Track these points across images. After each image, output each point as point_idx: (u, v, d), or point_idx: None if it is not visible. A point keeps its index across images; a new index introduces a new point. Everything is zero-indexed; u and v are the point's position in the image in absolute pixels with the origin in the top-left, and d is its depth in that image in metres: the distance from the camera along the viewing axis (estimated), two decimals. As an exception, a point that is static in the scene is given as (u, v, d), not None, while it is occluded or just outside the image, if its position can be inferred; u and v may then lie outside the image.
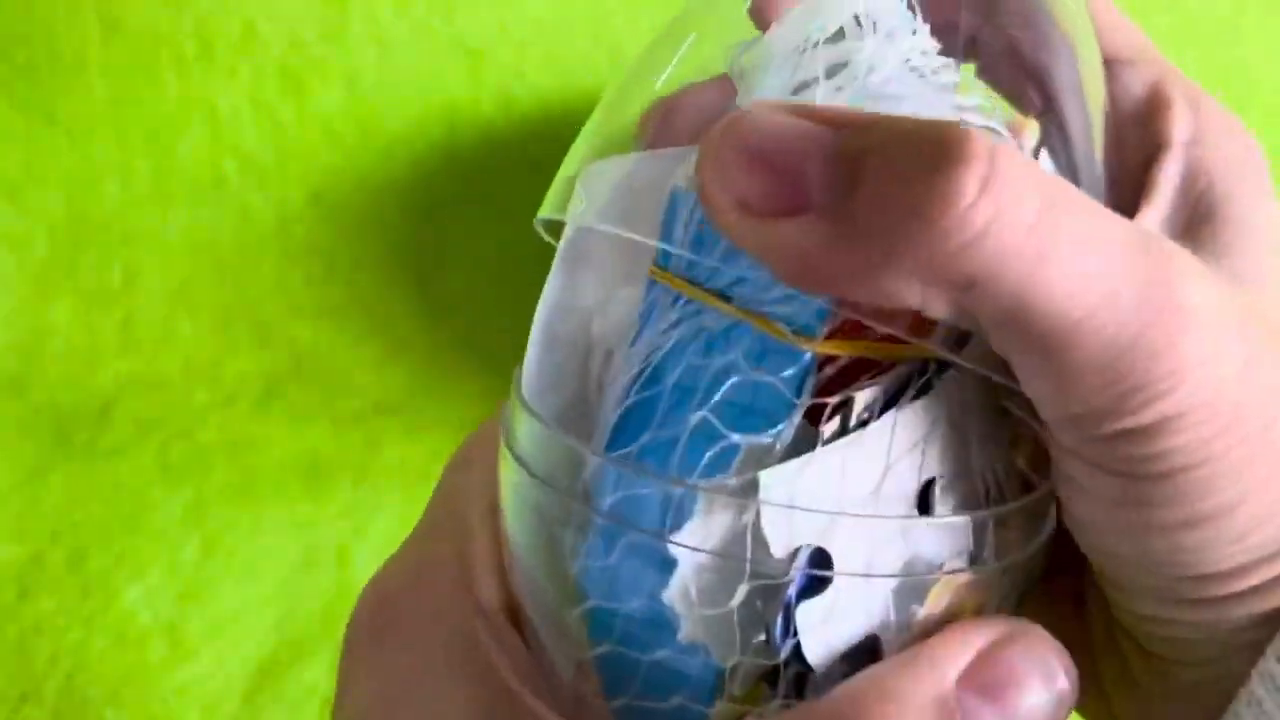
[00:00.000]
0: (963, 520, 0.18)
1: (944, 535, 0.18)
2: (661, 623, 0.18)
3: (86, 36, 0.53)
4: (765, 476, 0.17)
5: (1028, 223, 0.16)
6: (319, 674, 0.44)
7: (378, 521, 0.48)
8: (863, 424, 0.18)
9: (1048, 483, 0.20)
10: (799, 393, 0.18)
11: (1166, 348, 0.17)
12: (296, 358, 0.55)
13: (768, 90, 0.18)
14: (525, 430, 0.19)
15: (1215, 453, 0.18)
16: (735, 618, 0.17)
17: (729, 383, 0.18)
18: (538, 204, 0.49)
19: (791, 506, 0.17)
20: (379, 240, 0.55)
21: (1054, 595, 0.27)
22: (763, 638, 0.18)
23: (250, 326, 0.55)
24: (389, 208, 0.54)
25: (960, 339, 0.19)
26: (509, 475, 0.20)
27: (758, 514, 0.17)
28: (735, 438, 0.18)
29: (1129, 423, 0.17)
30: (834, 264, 0.16)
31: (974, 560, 0.19)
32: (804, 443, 0.18)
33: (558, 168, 0.50)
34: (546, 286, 0.21)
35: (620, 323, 0.20)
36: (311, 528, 0.48)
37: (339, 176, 0.54)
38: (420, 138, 0.53)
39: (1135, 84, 0.23)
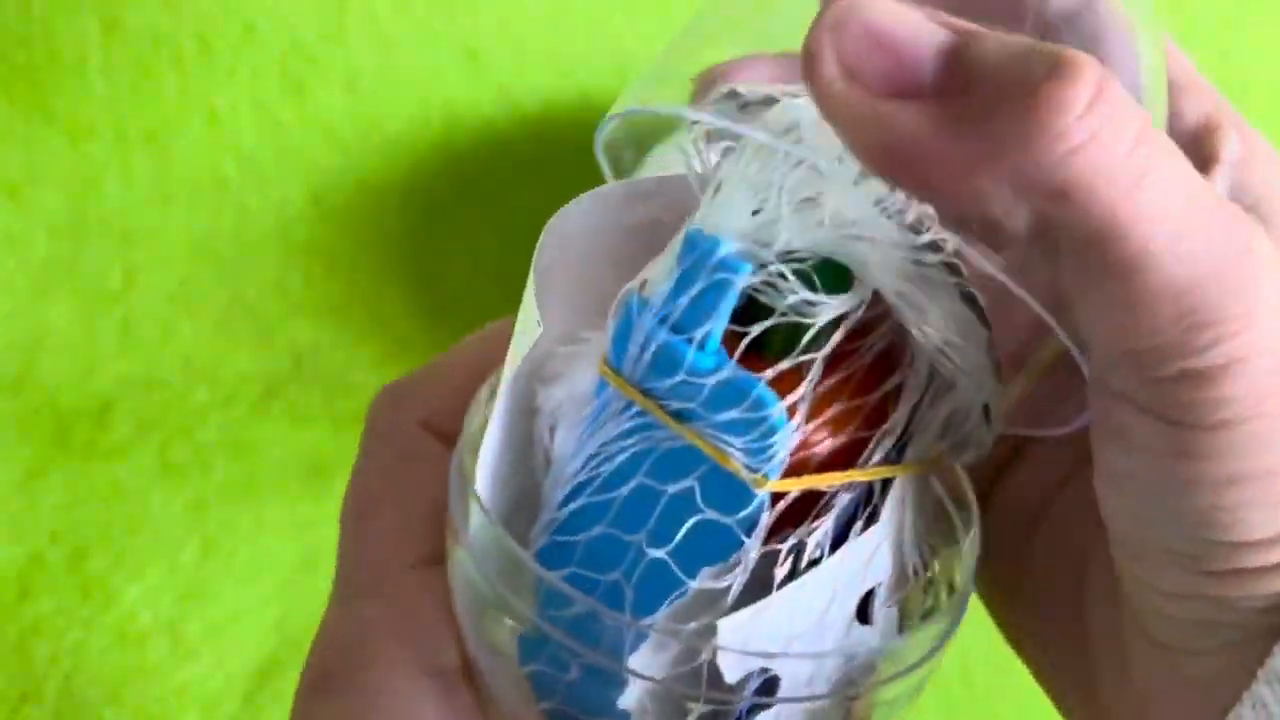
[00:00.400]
0: (901, 640, 0.20)
1: (880, 647, 0.20)
2: (610, 705, 0.19)
3: (86, 36, 0.53)
4: (722, 625, 0.18)
5: (1126, 145, 0.17)
6: (319, 674, 0.44)
7: (378, 521, 0.48)
8: (814, 562, 0.19)
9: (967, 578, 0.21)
10: (750, 531, 0.18)
11: (1241, 288, 0.18)
12: (296, 358, 0.55)
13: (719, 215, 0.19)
14: (475, 520, 0.20)
15: (1270, 409, 0.18)
16: None
17: (685, 525, 0.18)
18: (538, 203, 0.49)
19: (745, 652, 0.18)
20: (379, 240, 0.55)
21: (1054, 593, 0.27)
22: None
23: (250, 326, 0.55)
24: (389, 208, 0.54)
25: (900, 449, 0.20)
26: (454, 548, 0.20)
27: (714, 652, 0.18)
28: (692, 584, 0.18)
29: (1193, 363, 0.18)
30: (934, 152, 0.17)
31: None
32: (755, 579, 0.19)
33: (558, 168, 0.50)
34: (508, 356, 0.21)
35: (564, 401, 0.20)
36: (312, 528, 0.48)
37: (339, 176, 0.54)
38: (420, 138, 0.53)
39: (1189, 110, 0.24)
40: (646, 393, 0.19)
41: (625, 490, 0.19)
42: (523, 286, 0.28)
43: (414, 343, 0.54)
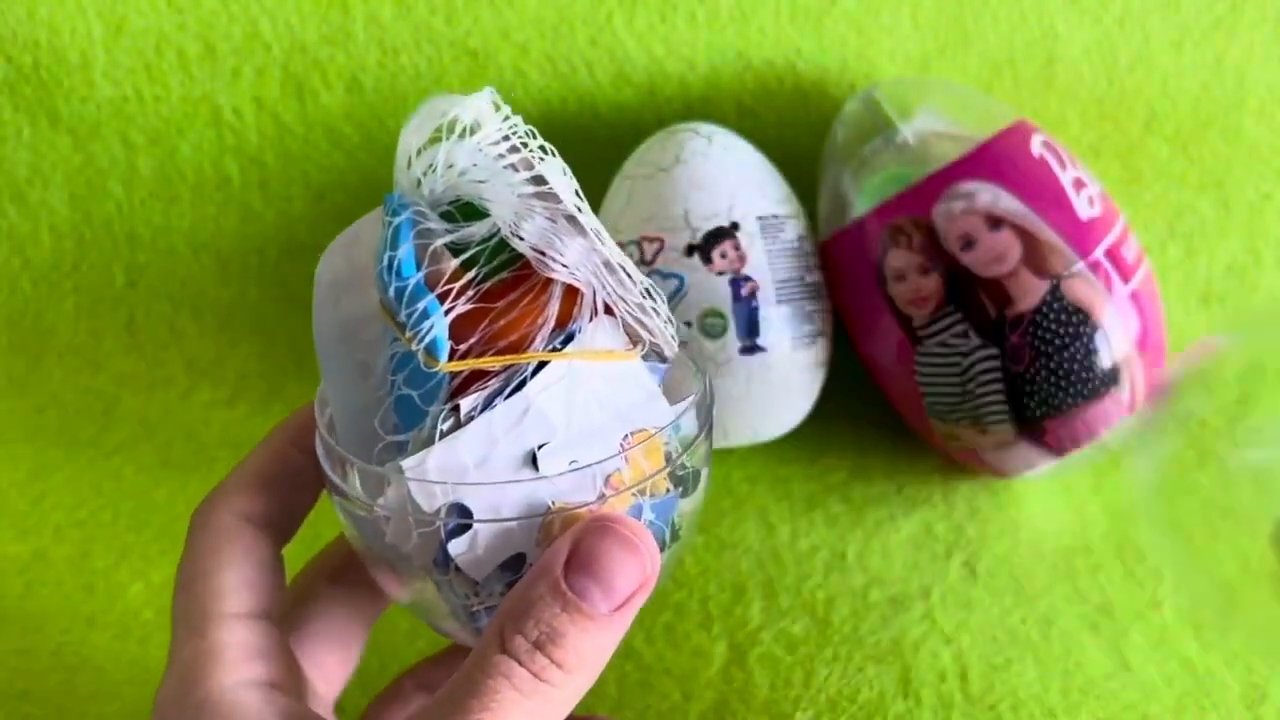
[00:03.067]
0: (544, 476, 0.26)
1: (546, 485, 0.26)
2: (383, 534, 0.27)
3: (90, 38, 0.53)
4: (405, 464, 0.26)
5: None
6: (320, 671, 0.44)
7: (379, 519, 0.48)
8: (471, 419, 0.26)
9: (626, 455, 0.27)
10: (432, 400, 0.26)
11: None
12: (299, 357, 0.55)
13: (400, 183, 0.27)
14: (325, 420, 0.28)
15: None
16: (414, 548, 0.26)
17: (389, 400, 0.27)
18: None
19: (423, 480, 0.26)
20: (381, 240, 0.55)
21: None
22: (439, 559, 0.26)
23: (253, 326, 0.56)
24: (390, 208, 0.54)
25: (565, 341, 0.27)
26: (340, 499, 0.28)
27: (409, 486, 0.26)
28: (404, 436, 0.27)
29: None
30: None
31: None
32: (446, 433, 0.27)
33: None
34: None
35: (375, 343, 0.28)
36: (312, 525, 0.48)
37: (341, 177, 0.54)
38: (422, 138, 0.53)
39: None
40: (388, 313, 0.26)
41: (390, 381, 0.27)
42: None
43: (415, 342, 0.54)
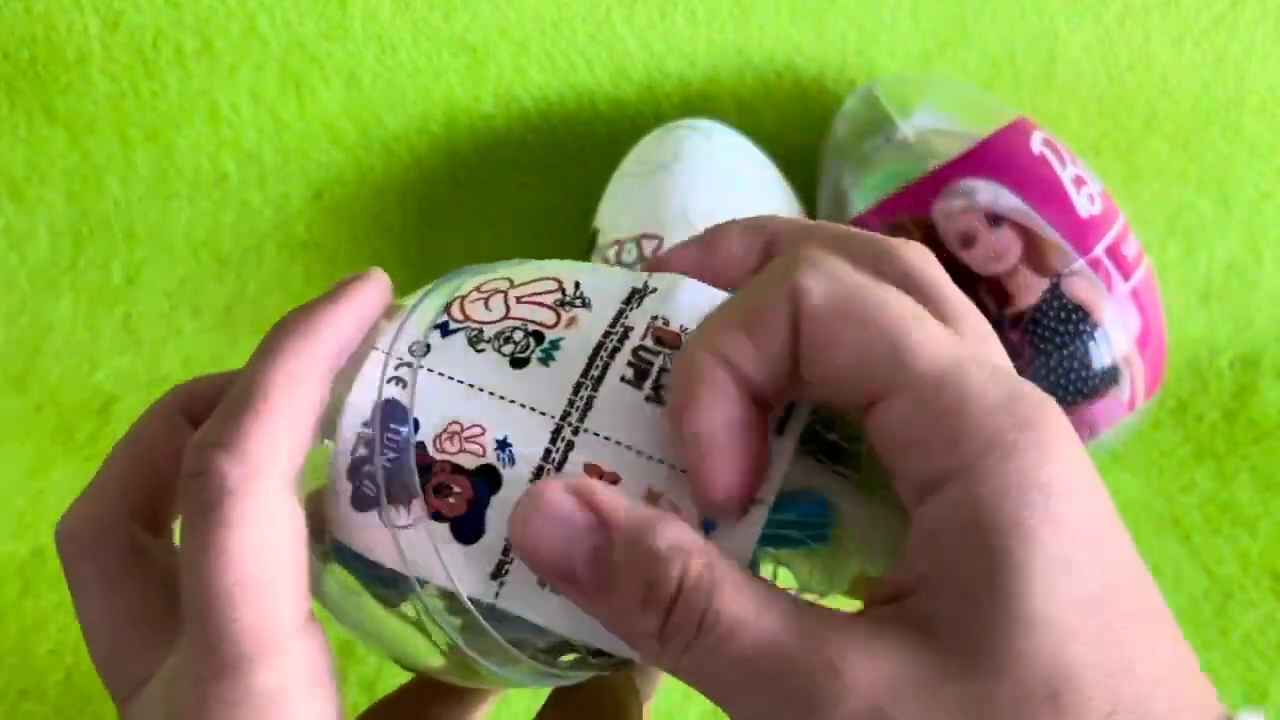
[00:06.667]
0: None
1: None
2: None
3: (87, 34, 0.53)
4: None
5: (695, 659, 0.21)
6: (319, 669, 0.44)
7: (378, 517, 0.48)
8: None
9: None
10: None
11: None
12: (297, 354, 0.55)
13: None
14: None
15: None
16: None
17: None
18: (536, 201, 0.50)
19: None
20: (378, 236, 0.55)
21: None
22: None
23: (250, 323, 0.55)
24: (389, 204, 0.54)
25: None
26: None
27: None
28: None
29: None
30: (587, 610, 0.22)
31: None
32: None
33: (557, 166, 0.50)
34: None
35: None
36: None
37: (339, 174, 0.54)
38: (420, 135, 0.53)
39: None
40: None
41: None
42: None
43: (414, 339, 0.54)
